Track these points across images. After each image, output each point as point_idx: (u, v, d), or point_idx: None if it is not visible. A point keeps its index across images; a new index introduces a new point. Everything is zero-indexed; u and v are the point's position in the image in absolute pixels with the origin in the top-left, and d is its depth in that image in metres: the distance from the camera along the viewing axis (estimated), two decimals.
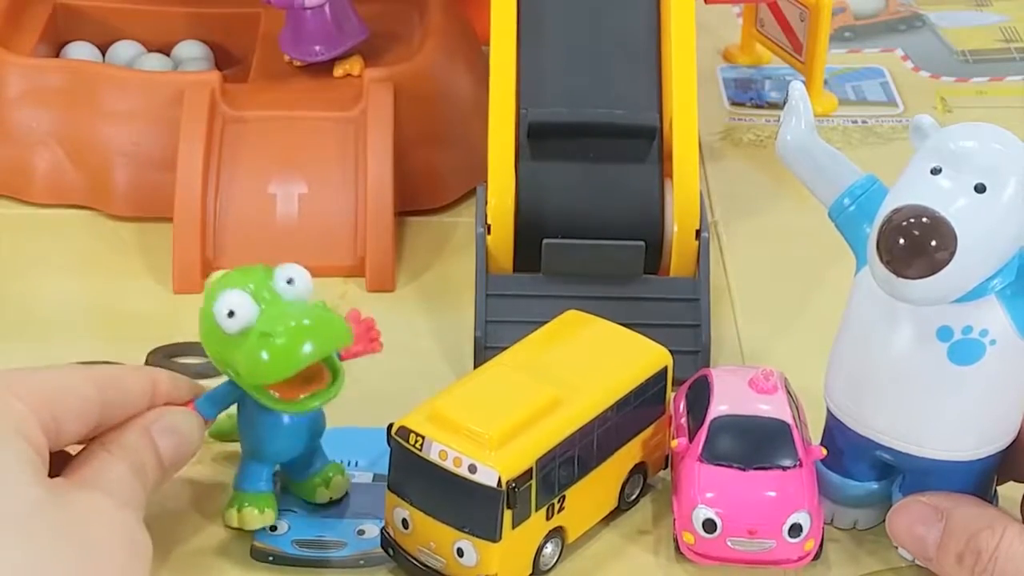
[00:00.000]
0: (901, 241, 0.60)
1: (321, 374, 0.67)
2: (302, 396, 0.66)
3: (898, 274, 0.60)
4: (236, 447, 0.71)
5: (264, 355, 0.64)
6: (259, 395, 0.66)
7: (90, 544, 0.60)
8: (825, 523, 0.70)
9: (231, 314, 0.65)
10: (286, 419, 0.68)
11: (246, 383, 0.66)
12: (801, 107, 0.67)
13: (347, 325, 0.66)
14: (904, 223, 0.60)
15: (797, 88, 0.68)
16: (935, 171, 0.61)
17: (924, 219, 0.60)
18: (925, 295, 0.61)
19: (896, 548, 0.69)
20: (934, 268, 0.60)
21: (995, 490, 0.69)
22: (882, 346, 0.65)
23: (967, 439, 0.66)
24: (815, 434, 0.71)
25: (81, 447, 0.66)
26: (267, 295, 0.65)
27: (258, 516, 0.69)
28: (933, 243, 0.60)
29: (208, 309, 0.66)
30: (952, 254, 0.60)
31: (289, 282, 0.66)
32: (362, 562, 0.69)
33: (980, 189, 0.61)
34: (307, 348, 0.64)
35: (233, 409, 0.70)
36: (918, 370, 0.64)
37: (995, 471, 0.68)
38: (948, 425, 0.65)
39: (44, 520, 0.59)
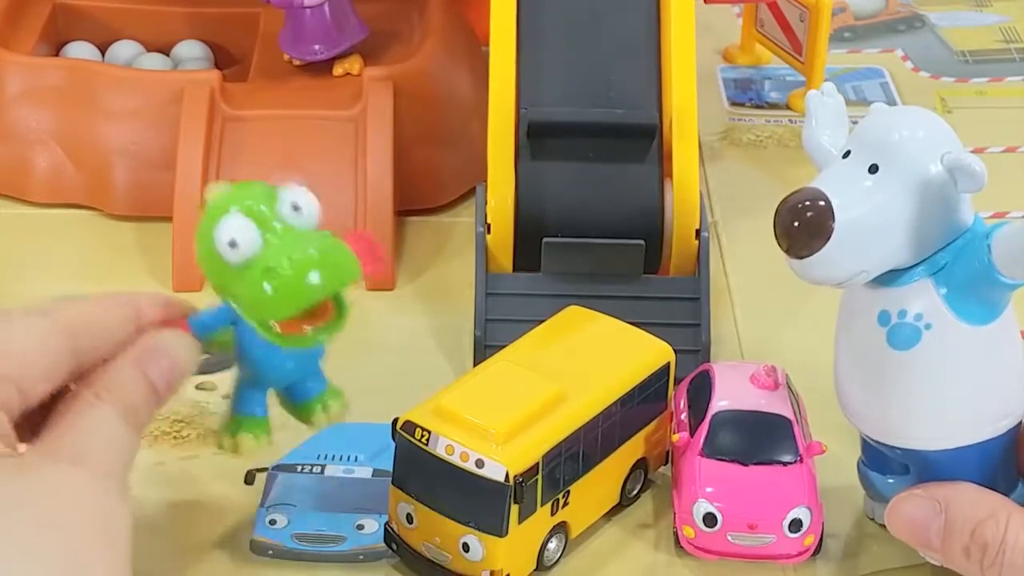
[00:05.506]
0: (785, 223, 0.61)
1: (325, 306, 0.62)
2: (306, 329, 0.62)
3: (791, 255, 0.61)
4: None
5: (268, 289, 0.60)
6: (260, 328, 0.61)
7: (55, 526, 0.55)
8: (869, 518, 0.70)
9: (233, 244, 0.60)
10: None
11: (247, 316, 0.62)
12: (812, 112, 0.67)
13: (356, 258, 0.62)
14: (787, 207, 0.61)
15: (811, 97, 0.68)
16: (845, 155, 0.62)
17: (806, 201, 0.61)
18: (820, 272, 0.61)
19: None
20: (815, 246, 0.61)
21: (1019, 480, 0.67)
22: (844, 336, 0.65)
23: (931, 428, 0.64)
24: (815, 432, 0.71)
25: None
26: (271, 221, 0.61)
27: (253, 442, 0.65)
28: (813, 222, 0.60)
29: (207, 230, 0.61)
30: (829, 231, 0.60)
31: (295, 208, 0.61)
32: (361, 557, 0.69)
33: (873, 169, 0.61)
34: (315, 284, 0.60)
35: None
36: (865, 356, 0.64)
37: (1001, 460, 0.66)
38: (904, 414, 0.64)
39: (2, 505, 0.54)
